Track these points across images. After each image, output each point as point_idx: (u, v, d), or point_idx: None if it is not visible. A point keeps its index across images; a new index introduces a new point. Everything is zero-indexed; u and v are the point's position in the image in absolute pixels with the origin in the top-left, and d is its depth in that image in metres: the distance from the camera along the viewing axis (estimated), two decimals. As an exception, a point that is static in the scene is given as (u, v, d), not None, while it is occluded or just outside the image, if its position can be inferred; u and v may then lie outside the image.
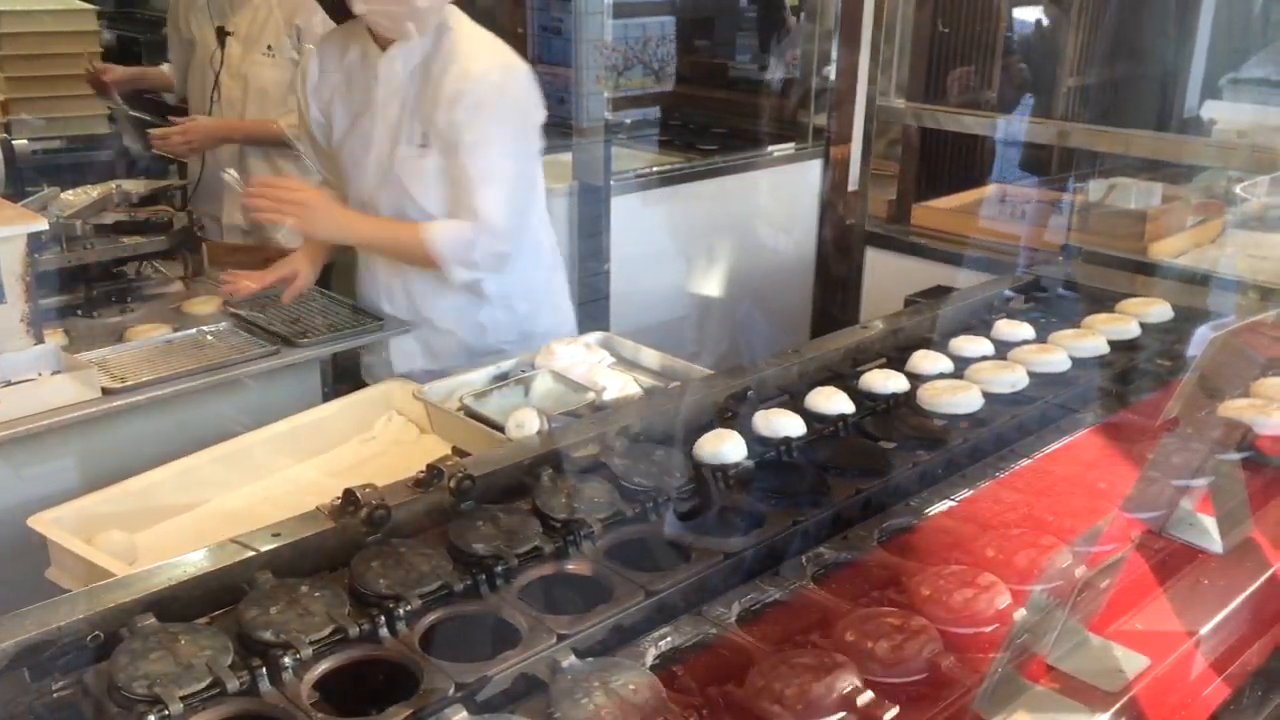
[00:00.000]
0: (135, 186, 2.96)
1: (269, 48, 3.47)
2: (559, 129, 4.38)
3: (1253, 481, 1.69)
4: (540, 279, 2.71)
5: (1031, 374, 2.05)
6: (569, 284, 2.86)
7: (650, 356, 2.35)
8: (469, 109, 2.37)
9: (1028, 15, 5.14)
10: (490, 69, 2.42)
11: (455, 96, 2.37)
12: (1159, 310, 2.38)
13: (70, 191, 2.83)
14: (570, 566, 1.47)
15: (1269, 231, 3.27)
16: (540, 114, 2.50)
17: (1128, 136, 3.49)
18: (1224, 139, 3.62)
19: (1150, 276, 2.75)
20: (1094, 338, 2.19)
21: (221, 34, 3.47)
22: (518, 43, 5.16)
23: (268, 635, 1.26)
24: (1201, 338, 1.97)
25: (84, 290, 2.66)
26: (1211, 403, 1.85)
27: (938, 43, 4.31)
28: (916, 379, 2.03)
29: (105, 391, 2.21)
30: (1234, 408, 1.83)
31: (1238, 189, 3.39)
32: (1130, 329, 2.27)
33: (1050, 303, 2.59)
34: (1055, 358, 2.11)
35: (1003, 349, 2.19)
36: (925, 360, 2.10)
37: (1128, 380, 2.10)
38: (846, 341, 2.23)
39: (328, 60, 2.57)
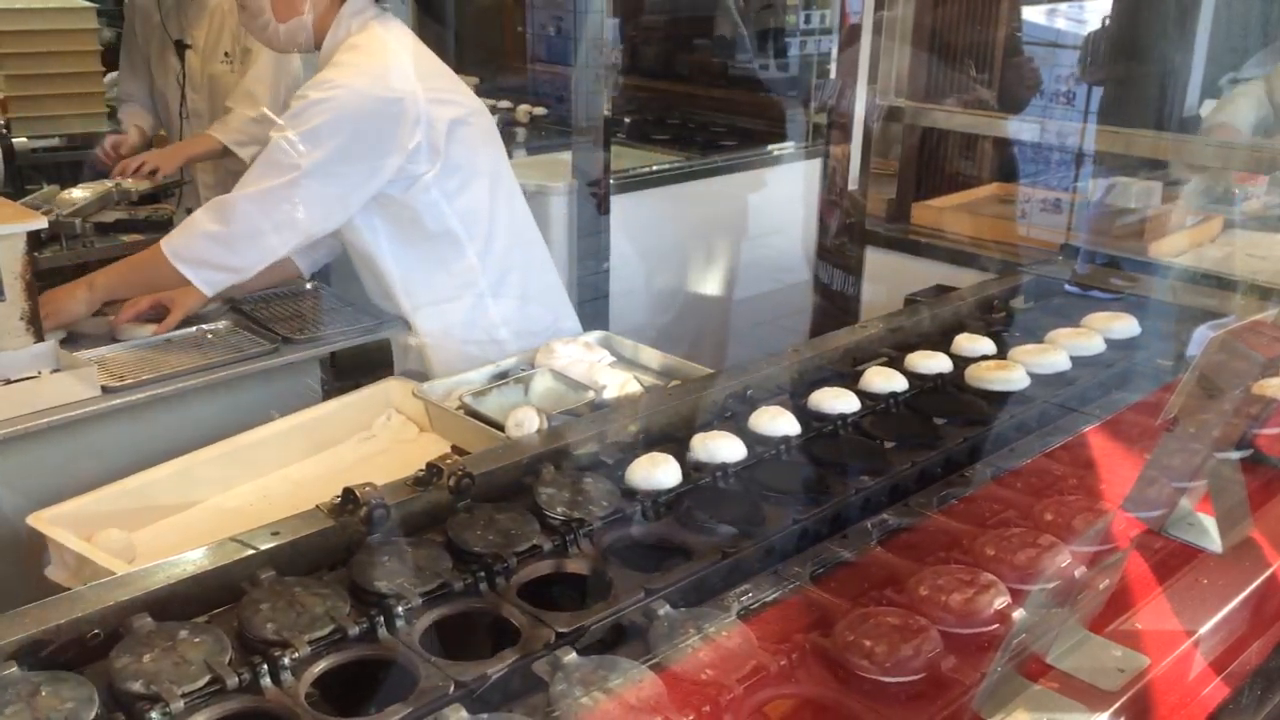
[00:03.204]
0: (135, 185, 2.96)
1: (226, 54, 3.47)
2: (558, 128, 4.39)
3: (1252, 481, 1.69)
4: (466, 290, 2.55)
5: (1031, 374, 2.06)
6: (559, 285, 2.77)
7: (650, 355, 2.35)
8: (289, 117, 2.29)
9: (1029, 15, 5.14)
10: (329, 82, 2.28)
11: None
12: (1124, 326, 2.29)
13: (70, 190, 2.83)
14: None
15: (1268, 231, 3.27)
16: (389, 150, 2.30)
17: (1128, 136, 3.48)
18: (1223, 139, 3.62)
19: (1149, 276, 2.75)
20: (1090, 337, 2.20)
21: (180, 47, 3.48)
22: (518, 42, 5.16)
23: (268, 634, 1.26)
24: (1200, 337, 1.97)
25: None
26: (1211, 402, 1.84)
27: (938, 42, 4.30)
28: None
29: (104, 390, 2.21)
30: (1271, 386, 1.83)
31: (1236, 189, 3.39)
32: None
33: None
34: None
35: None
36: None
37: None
38: (847, 340, 2.24)
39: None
